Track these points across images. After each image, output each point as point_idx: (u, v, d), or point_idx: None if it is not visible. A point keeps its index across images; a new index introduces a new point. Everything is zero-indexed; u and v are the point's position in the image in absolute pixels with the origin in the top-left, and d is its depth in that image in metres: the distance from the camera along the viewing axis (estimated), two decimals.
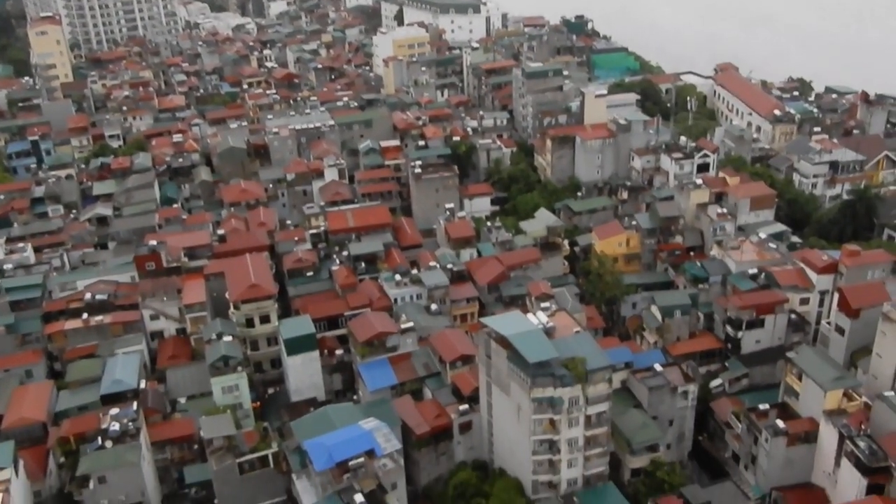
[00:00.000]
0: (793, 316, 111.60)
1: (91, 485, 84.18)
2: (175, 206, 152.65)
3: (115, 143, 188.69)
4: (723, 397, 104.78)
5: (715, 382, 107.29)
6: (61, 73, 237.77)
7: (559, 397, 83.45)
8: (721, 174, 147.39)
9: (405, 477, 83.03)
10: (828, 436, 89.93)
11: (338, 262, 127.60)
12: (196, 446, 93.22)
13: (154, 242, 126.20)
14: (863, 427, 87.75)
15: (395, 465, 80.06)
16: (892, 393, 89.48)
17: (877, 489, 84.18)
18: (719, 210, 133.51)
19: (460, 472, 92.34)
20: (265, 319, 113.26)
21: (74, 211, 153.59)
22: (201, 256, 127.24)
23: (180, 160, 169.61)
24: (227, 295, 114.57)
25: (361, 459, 78.54)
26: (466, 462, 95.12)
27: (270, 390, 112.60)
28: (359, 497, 75.74)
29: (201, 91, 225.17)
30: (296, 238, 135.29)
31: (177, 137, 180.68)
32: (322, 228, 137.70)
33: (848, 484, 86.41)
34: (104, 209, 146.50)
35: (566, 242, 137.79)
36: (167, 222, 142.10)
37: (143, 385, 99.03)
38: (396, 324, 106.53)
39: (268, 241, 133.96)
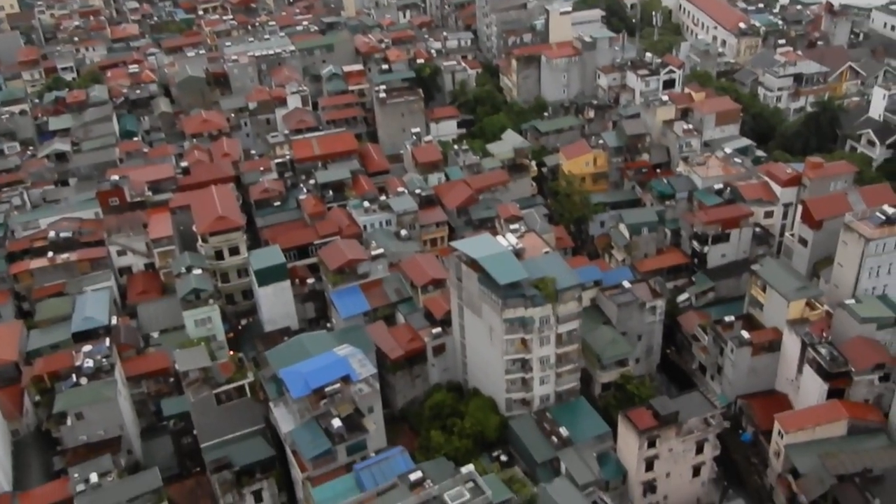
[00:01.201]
0: (757, 229, 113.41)
1: (69, 421, 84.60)
2: (135, 139, 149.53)
3: (68, 76, 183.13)
4: (689, 311, 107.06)
5: (682, 297, 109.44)
6: (6, 4, 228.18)
7: (530, 317, 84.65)
8: (687, 90, 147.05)
9: (381, 400, 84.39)
10: (791, 344, 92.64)
11: (305, 190, 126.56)
12: (172, 379, 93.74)
13: (116, 177, 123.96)
14: (824, 335, 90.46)
15: (370, 390, 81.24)
16: (852, 301, 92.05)
17: (837, 393, 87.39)
18: (685, 126, 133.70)
19: (435, 393, 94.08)
20: (234, 251, 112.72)
21: (31, 147, 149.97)
22: (166, 190, 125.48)
23: (138, 92, 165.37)
24: (194, 228, 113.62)
25: (337, 385, 79.52)
26: (441, 384, 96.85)
27: (243, 321, 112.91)
28: (336, 422, 77.02)
29: (155, 18, 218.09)
30: (261, 168, 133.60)
31: (133, 68, 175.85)
32: (287, 157, 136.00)
33: (810, 389, 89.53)
34: (62, 145, 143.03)
35: (534, 163, 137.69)
36: (128, 156, 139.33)
37: (114, 321, 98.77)
38: (367, 250, 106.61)
39: (233, 172, 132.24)
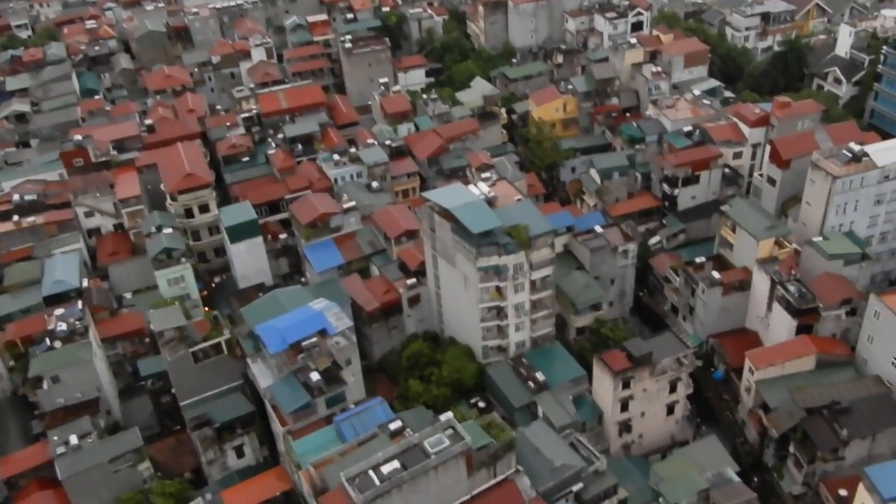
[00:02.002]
0: (727, 170, 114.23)
1: (45, 385, 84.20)
2: (97, 97, 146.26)
3: (23, 34, 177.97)
4: (661, 253, 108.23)
5: (653, 240, 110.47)
6: None
7: (504, 265, 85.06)
8: (655, 32, 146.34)
9: (359, 352, 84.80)
10: (760, 283, 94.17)
11: (273, 145, 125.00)
12: (147, 339, 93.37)
13: (79, 137, 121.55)
14: (793, 272, 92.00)
15: (347, 342, 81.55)
16: (820, 238, 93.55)
17: (806, 329, 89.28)
18: (654, 69, 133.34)
19: (412, 343, 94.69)
20: (204, 209, 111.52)
21: None
22: (131, 149, 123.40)
23: (97, 48, 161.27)
24: (162, 186, 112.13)
25: (314, 339, 79.73)
26: (417, 334, 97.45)
27: (217, 279, 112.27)
28: (315, 375, 77.41)
29: None
30: (228, 123, 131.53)
31: (90, 24, 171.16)
32: (254, 111, 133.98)
33: (779, 326, 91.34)
34: (21, 105, 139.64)
35: (503, 111, 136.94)
36: (90, 115, 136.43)
37: (85, 283, 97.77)
38: (338, 204, 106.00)
39: (199, 129, 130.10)
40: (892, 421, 79.50)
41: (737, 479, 75.95)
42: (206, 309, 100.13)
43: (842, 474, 78.89)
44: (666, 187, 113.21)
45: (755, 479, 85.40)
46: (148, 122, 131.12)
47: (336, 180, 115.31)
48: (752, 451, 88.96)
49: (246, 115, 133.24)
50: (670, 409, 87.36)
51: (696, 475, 74.76)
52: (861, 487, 70.74)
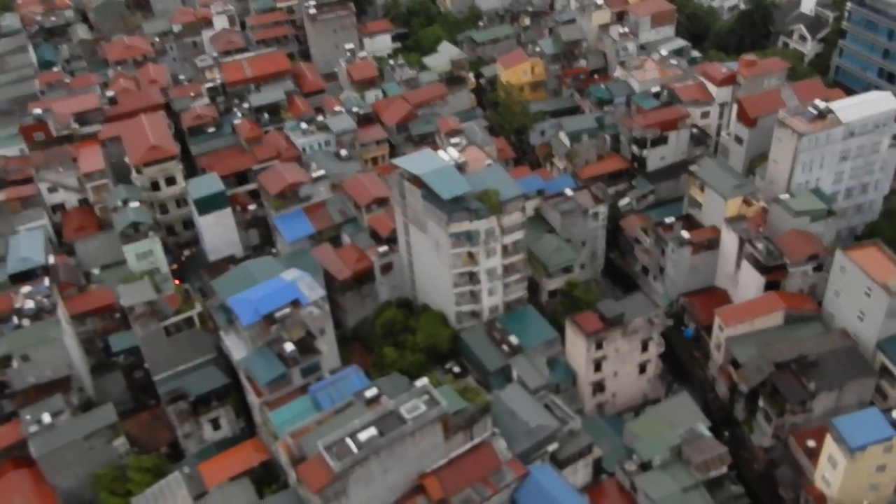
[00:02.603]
0: (694, 130, 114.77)
1: (14, 364, 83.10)
2: (55, 69, 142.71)
3: None
4: (631, 215, 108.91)
5: (623, 201, 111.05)
6: None
7: (476, 230, 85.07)
8: None
9: (332, 321, 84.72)
10: (729, 241, 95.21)
11: (239, 115, 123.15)
12: (118, 315, 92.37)
13: (39, 110, 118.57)
14: (760, 230, 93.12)
15: (321, 312, 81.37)
16: (787, 195, 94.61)
17: (774, 285, 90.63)
18: (621, 30, 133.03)
19: (386, 311, 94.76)
20: (171, 181, 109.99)
21: None
22: (93, 121, 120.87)
23: (53, 18, 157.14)
24: (126, 159, 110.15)
25: (287, 310, 79.40)
26: (391, 301, 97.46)
27: (186, 252, 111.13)
28: (289, 346, 77.25)
29: None
30: (192, 93, 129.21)
31: None
32: (218, 81, 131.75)
33: (748, 283, 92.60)
34: None
35: (471, 75, 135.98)
36: (49, 88, 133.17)
37: (51, 260, 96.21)
38: (307, 173, 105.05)
39: (162, 100, 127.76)
40: (857, 373, 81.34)
41: (708, 434, 77.38)
42: (177, 282, 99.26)
43: (810, 426, 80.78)
44: (635, 148, 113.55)
45: (726, 433, 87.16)
46: (109, 93, 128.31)
47: (304, 149, 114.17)
48: (723, 407, 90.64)
49: (210, 84, 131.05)
50: (642, 368, 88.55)
51: (668, 432, 76.04)
52: (828, 438, 72.50)
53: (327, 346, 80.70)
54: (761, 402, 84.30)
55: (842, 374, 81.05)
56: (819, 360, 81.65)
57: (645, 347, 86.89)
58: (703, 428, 77.75)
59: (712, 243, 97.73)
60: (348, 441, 63.38)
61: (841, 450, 70.78)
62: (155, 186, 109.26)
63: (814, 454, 76.82)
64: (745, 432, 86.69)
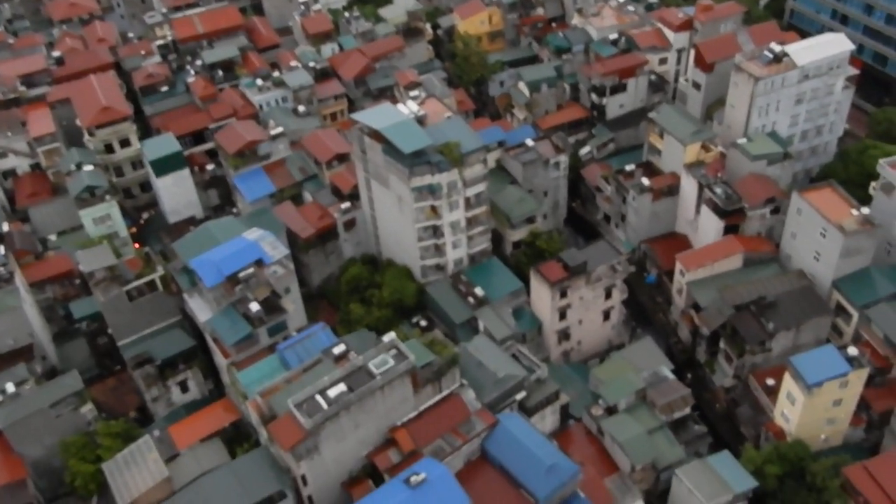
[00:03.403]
0: (653, 77, 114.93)
1: None
2: None
3: None
4: (592, 163, 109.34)
5: (584, 150, 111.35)
6: None
7: (438, 183, 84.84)
8: None
9: (297, 280, 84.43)
10: (688, 187, 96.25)
11: (192, 72, 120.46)
12: (78, 281, 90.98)
13: None
14: (719, 175, 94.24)
15: (285, 271, 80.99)
16: (744, 140, 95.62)
17: (732, 229, 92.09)
18: None
19: (350, 267, 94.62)
20: (125, 143, 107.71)
21: None
22: (40, 83, 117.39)
23: None
24: (78, 122, 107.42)
25: (251, 270, 78.88)
26: (355, 257, 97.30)
27: (145, 215, 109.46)
28: (254, 306, 76.90)
29: None
30: (142, 52, 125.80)
31: None
32: (169, 38, 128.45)
33: (707, 228, 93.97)
34: None
35: (428, 26, 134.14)
36: None
37: (6, 227, 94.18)
38: (265, 130, 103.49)
39: (111, 59, 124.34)
40: (814, 312, 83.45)
41: (671, 376, 79.23)
42: (137, 246, 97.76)
43: (769, 365, 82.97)
44: (594, 97, 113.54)
45: (689, 375, 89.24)
46: (56, 54, 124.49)
47: (261, 106, 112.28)
48: (685, 350, 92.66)
49: (160, 42, 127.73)
50: (606, 315, 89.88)
51: (632, 376, 77.67)
52: (787, 376, 74.62)
53: (293, 305, 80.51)
54: (722, 344, 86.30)
55: (799, 314, 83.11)
56: (777, 300, 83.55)
57: (608, 294, 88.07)
58: (666, 371, 79.55)
59: (672, 189, 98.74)
60: (318, 398, 63.69)
61: (799, 387, 72.92)
62: (109, 149, 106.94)
63: (773, 392, 79.07)
64: (706, 374, 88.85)
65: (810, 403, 72.73)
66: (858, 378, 72.72)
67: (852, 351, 73.13)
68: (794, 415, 74.88)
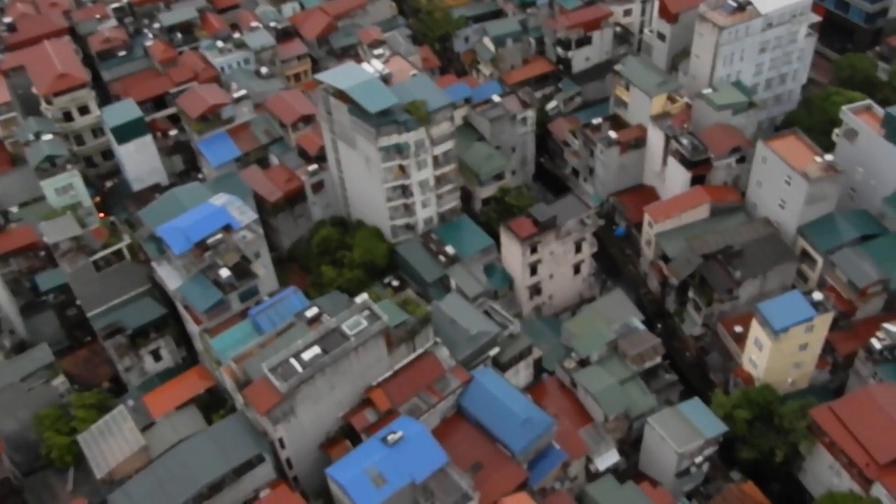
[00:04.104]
0: (618, 29, 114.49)
1: None
2: None
3: None
4: (559, 118, 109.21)
5: (550, 105, 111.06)
6: None
7: (405, 142, 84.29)
8: None
9: (267, 244, 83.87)
10: (655, 139, 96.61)
11: (151, 36, 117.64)
12: (43, 253, 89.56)
13: None
14: (685, 126, 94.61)
15: (254, 236, 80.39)
16: (709, 90, 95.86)
17: (699, 180, 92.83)
18: None
19: (320, 229, 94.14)
20: (84, 110, 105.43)
21: None
22: None
23: None
24: (34, 90, 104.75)
25: (220, 235, 78.14)
26: (325, 220, 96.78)
27: (109, 183, 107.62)
28: (224, 272, 76.38)
29: None
30: (97, 15, 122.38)
31: None
32: (125, 0, 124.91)
33: (674, 179, 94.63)
34: None
35: None
36: None
37: None
38: (228, 94, 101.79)
39: (66, 23, 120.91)
40: (780, 259, 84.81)
41: (642, 327, 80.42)
42: (102, 215, 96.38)
43: (737, 312, 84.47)
44: (560, 50, 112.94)
45: (659, 325, 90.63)
46: (7, 20, 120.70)
47: (222, 69, 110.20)
48: (655, 300, 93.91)
49: (116, 4, 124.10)
50: (577, 269, 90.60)
51: (604, 328, 78.66)
52: (754, 322, 76.05)
53: (264, 269, 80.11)
54: (691, 293, 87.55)
55: (765, 261, 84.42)
56: (744, 249, 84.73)
57: (578, 248, 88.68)
58: (636, 322, 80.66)
59: (639, 142, 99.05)
60: (292, 361, 63.85)
61: (766, 333, 74.38)
62: (68, 117, 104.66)
63: (741, 339, 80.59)
64: (676, 323, 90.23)
65: (777, 348, 74.28)
66: (823, 322, 74.30)
67: (817, 296, 74.57)
68: (761, 360, 76.49)
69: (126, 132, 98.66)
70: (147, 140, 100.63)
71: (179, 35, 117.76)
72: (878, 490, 66.91)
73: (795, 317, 73.37)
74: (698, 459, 71.96)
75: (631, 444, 76.08)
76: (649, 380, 77.82)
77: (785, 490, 75.67)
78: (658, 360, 78.76)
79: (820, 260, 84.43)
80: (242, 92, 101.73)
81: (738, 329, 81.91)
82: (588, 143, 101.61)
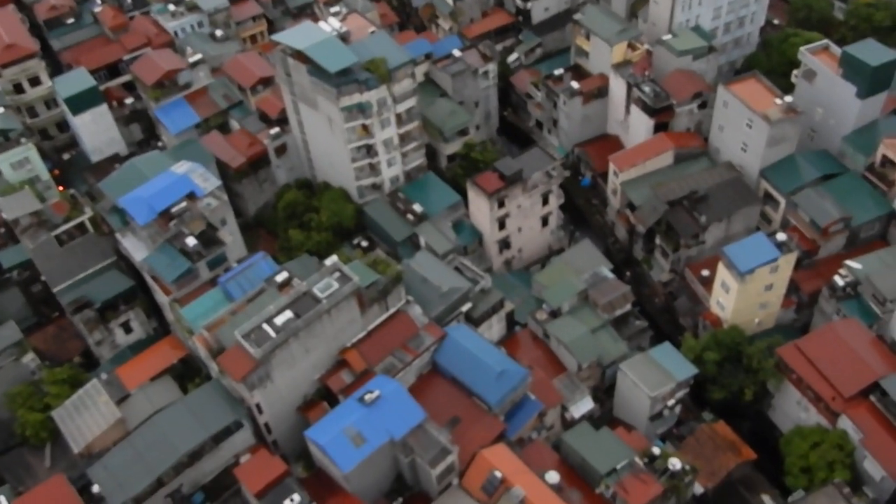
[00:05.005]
0: None
1: None
2: None
3: None
4: (521, 70, 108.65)
5: (512, 57, 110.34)
6: None
7: (367, 101, 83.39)
8: None
9: (232, 210, 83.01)
10: (617, 87, 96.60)
11: (99, 1, 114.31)
12: (3, 229, 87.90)
13: None
14: (646, 73, 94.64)
15: (219, 202, 79.41)
16: (669, 36, 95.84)
17: (662, 127, 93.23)
18: None
19: (286, 193, 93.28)
20: (35, 81, 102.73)
21: None
22: None
23: None
24: None
25: (184, 204, 77.11)
26: (290, 183, 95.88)
27: (66, 156, 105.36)
28: (191, 240, 75.53)
29: None
30: None
31: None
32: None
33: (638, 127, 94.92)
34: None
35: None
36: None
37: None
38: (183, 59, 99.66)
39: None
40: (744, 202, 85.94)
41: (611, 275, 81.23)
42: (61, 189, 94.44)
43: (703, 257, 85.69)
44: (518, 1, 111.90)
45: (628, 273, 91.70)
46: None
47: (176, 33, 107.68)
48: (623, 249, 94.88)
49: None
50: (545, 221, 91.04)
51: (573, 279, 79.38)
52: (720, 266, 77.25)
53: (231, 236, 79.37)
54: (658, 240, 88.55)
55: (729, 205, 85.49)
56: (708, 193, 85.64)
57: (545, 201, 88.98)
58: (605, 271, 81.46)
59: (602, 91, 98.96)
60: (265, 327, 63.63)
61: (732, 275, 75.63)
62: (18, 89, 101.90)
63: (708, 283, 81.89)
64: (644, 270, 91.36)
65: (743, 290, 75.63)
66: (788, 262, 75.68)
67: (781, 237, 75.82)
68: (728, 302, 77.88)
69: (80, 102, 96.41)
70: (102, 110, 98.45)
71: None
72: (843, 422, 69.05)
73: (760, 258, 74.60)
74: (670, 402, 73.45)
75: (604, 391, 77.40)
76: (620, 327, 78.89)
77: (755, 427, 77.71)
78: (628, 307, 79.79)
79: (783, 201, 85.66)
80: (198, 56, 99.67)
81: (705, 273, 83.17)
82: (551, 94, 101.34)
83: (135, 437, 65.42)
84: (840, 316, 77.10)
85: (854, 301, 77.01)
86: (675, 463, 65.81)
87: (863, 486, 68.02)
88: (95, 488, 63.56)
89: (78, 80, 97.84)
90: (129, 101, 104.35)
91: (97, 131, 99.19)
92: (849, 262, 78.28)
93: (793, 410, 74.21)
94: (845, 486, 65.44)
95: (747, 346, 75.43)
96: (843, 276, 77.92)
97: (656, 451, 67.14)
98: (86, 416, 69.25)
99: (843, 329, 73.37)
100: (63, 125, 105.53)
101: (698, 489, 69.44)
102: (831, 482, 65.95)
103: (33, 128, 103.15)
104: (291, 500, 58.70)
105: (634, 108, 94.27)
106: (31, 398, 74.56)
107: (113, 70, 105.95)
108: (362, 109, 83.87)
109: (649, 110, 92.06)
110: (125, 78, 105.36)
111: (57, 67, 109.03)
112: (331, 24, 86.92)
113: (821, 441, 68.86)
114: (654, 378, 71.91)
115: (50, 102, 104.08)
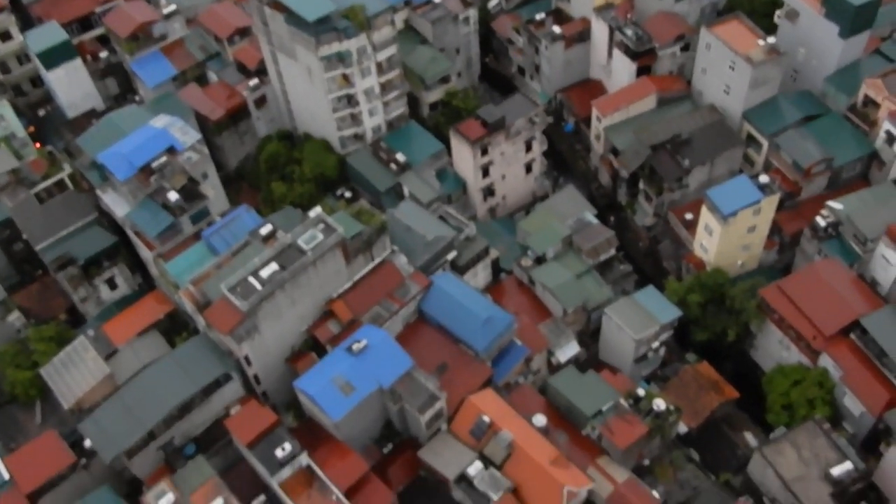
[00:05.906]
0: None
1: None
2: None
3: None
4: (502, 15, 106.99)
5: (492, 2, 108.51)
6: None
7: (346, 50, 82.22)
8: None
9: (214, 164, 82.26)
10: (599, 31, 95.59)
11: None
12: None
13: None
14: (629, 16, 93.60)
15: (200, 156, 78.65)
16: None
17: (645, 70, 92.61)
18: None
19: (267, 145, 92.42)
20: (5, 36, 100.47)
21: None
22: None
23: None
24: None
25: (164, 158, 76.35)
26: (271, 135, 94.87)
27: (41, 112, 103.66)
28: (172, 195, 74.94)
29: None
30: None
31: None
32: None
33: (620, 71, 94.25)
34: None
35: None
36: None
37: None
38: (157, 10, 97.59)
39: None
40: (726, 144, 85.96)
41: (595, 221, 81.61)
42: (38, 146, 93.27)
43: (687, 200, 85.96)
44: None
45: (612, 218, 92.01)
46: None
47: None
48: (607, 194, 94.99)
49: None
50: (528, 168, 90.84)
51: (558, 225, 79.63)
52: (703, 209, 77.61)
53: (213, 190, 78.85)
54: (641, 185, 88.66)
55: (712, 148, 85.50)
56: (691, 137, 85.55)
57: (528, 147, 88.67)
58: (590, 216, 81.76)
59: (583, 35, 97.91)
60: (251, 280, 63.66)
61: (715, 218, 76.04)
62: None
63: (691, 226, 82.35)
64: (628, 215, 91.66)
65: (726, 232, 76.15)
66: (770, 204, 76.11)
67: (763, 179, 76.09)
68: (711, 245, 78.46)
69: (53, 57, 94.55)
70: (77, 64, 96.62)
71: None
72: (824, 360, 70.35)
73: (743, 200, 74.97)
74: (655, 345, 74.47)
75: (590, 335, 78.26)
76: (605, 272, 79.50)
77: (737, 367, 79.02)
78: (612, 252, 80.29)
79: (765, 143, 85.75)
80: (172, 7, 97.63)
81: (689, 216, 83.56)
82: (532, 39, 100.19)
83: (124, 391, 65.69)
84: (821, 256, 77.89)
85: (835, 241, 77.74)
86: (659, 404, 67.00)
87: (842, 421, 69.71)
88: (87, 443, 64.10)
89: (50, 33, 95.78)
90: (103, 54, 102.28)
91: (72, 86, 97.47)
92: (830, 203, 78.74)
93: (775, 350, 75.44)
94: (825, 422, 66.94)
95: (730, 287, 76.29)
96: (824, 217, 78.49)
97: (641, 392, 68.29)
98: (74, 372, 69.47)
99: (825, 269, 74.25)
100: (37, 80, 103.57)
101: (682, 428, 70.93)
102: (812, 418, 67.43)
103: (6, 84, 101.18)
104: (283, 449, 59.37)
105: (617, 52, 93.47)
106: (18, 356, 74.70)
107: (85, 23, 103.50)
108: (342, 58, 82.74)
109: (632, 54, 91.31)
110: (98, 31, 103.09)
111: (28, 21, 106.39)
112: None
113: (802, 379, 70.21)
114: (638, 321, 72.74)
115: (22, 57, 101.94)
